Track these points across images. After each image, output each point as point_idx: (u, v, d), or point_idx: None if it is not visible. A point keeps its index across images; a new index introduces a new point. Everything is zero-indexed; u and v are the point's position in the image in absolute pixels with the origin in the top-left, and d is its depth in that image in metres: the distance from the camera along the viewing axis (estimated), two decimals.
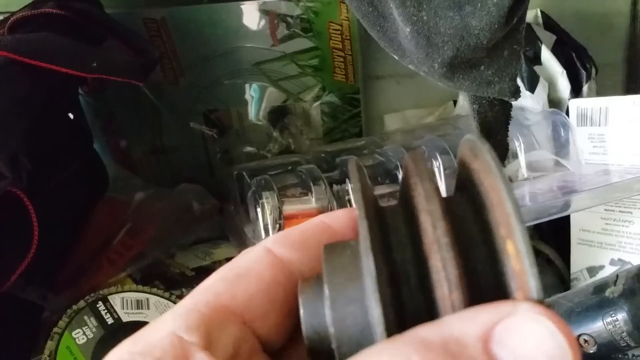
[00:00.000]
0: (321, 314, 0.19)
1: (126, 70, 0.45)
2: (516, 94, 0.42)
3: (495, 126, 0.43)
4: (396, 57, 0.41)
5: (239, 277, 0.21)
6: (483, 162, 0.18)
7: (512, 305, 0.15)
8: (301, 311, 0.19)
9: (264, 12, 0.68)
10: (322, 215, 0.24)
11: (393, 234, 0.18)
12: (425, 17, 0.38)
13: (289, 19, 0.68)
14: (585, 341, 0.43)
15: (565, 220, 0.57)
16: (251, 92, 0.73)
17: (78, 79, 0.61)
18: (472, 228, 0.18)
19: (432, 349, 0.15)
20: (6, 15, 0.58)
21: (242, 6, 0.68)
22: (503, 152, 0.43)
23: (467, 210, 0.19)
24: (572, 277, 0.57)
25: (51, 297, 0.50)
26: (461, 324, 0.15)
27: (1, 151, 0.37)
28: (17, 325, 0.51)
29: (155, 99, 0.72)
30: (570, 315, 0.44)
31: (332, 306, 0.18)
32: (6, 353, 0.50)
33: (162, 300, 0.52)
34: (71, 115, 0.59)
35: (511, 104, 0.43)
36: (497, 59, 0.41)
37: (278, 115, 0.73)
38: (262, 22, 0.68)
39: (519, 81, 0.43)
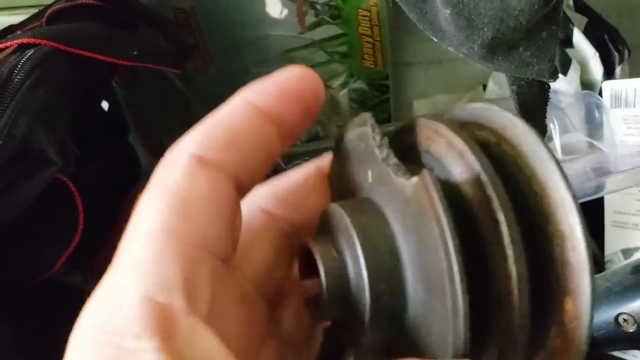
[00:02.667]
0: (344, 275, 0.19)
1: (165, 57, 0.46)
2: (554, 74, 0.42)
3: (534, 107, 0.43)
4: (435, 40, 0.41)
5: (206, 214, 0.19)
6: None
7: None
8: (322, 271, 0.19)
9: None
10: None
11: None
12: None
13: (317, 6, 0.68)
14: (625, 320, 0.43)
15: (599, 202, 0.57)
16: None
17: (112, 68, 0.62)
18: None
19: None
20: (41, 8, 0.59)
21: None
22: (542, 132, 0.43)
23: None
24: (606, 259, 0.57)
25: (92, 281, 0.52)
26: None
27: (51, 137, 0.38)
28: (59, 309, 0.52)
29: (185, 88, 0.72)
30: (609, 295, 0.44)
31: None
32: (51, 338, 0.51)
33: None
34: (106, 104, 0.60)
35: (549, 85, 0.43)
36: (536, 40, 0.41)
37: None
38: (285, 11, 0.69)
39: None
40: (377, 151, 0.19)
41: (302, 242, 0.21)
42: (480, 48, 0.39)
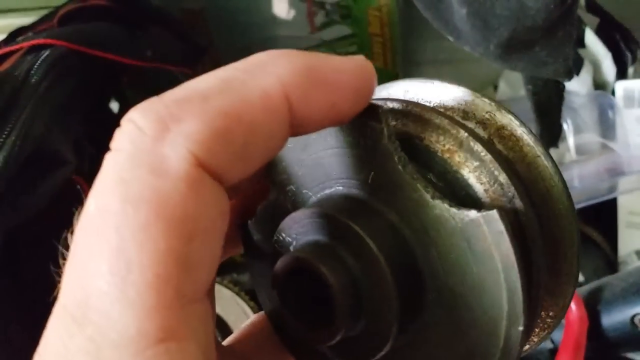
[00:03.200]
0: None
1: (178, 58, 0.46)
2: (570, 74, 0.42)
3: (549, 107, 0.43)
4: (451, 39, 0.41)
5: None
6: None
7: None
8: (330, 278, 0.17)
9: (302, 0, 0.68)
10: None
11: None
12: None
13: (327, 6, 0.68)
14: None
15: (612, 203, 0.57)
16: None
17: (122, 69, 0.62)
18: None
19: None
20: (50, 9, 0.59)
21: None
22: (557, 132, 0.43)
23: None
24: (619, 260, 0.57)
25: None
26: None
27: (66, 137, 0.38)
28: None
29: None
30: (625, 296, 0.44)
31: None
32: None
33: None
34: (117, 105, 0.60)
35: (564, 85, 0.43)
36: (552, 40, 0.41)
37: None
38: (294, 12, 0.69)
39: None
40: (395, 158, 0.17)
41: (295, 260, 0.18)
42: (496, 48, 0.39)
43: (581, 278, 0.53)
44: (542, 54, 0.41)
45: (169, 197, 0.13)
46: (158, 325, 0.13)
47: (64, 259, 0.14)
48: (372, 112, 0.18)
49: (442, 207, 0.17)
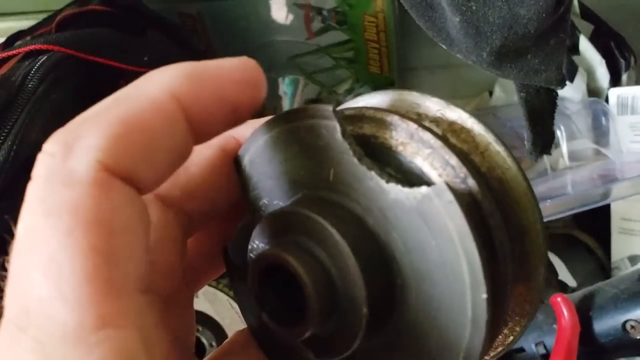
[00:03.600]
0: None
1: (176, 62, 0.46)
2: (562, 82, 0.42)
3: (542, 114, 0.43)
4: (444, 47, 0.42)
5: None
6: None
7: None
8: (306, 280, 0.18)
9: (299, 5, 0.68)
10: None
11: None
12: (474, 7, 0.39)
13: (323, 12, 0.68)
14: (632, 327, 0.43)
15: (605, 209, 0.57)
16: (284, 87, 0.73)
17: (120, 73, 0.62)
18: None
19: None
20: (49, 13, 0.59)
21: (268, 1, 0.68)
22: (549, 140, 0.43)
23: None
24: (612, 266, 0.57)
25: None
26: None
27: None
28: None
29: None
30: (617, 302, 0.44)
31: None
32: None
33: (209, 288, 0.53)
34: None
35: (557, 93, 0.44)
36: (544, 48, 0.41)
37: None
38: (291, 17, 0.69)
39: None
40: (350, 151, 0.18)
41: (263, 257, 0.19)
42: (488, 55, 0.40)
43: (574, 283, 0.53)
44: (535, 61, 0.41)
45: (83, 202, 0.15)
46: (94, 314, 0.15)
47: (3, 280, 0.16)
48: (323, 112, 0.19)
49: (396, 190, 0.18)
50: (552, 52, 0.41)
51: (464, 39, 0.39)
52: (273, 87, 0.73)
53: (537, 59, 0.41)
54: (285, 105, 0.74)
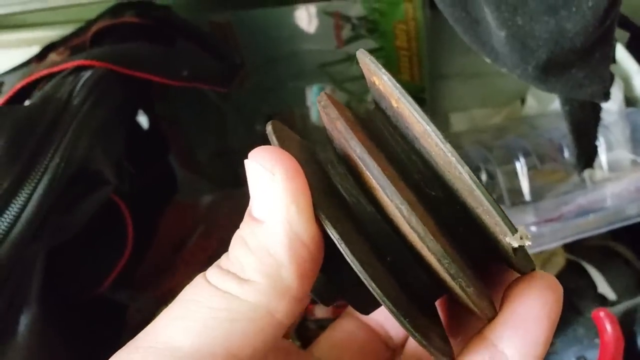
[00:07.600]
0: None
1: (213, 77, 0.47)
2: (607, 96, 0.42)
3: (586, 127, 0.43)
4: (488, 60, 0.41)
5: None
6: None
7: None
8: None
9: (328, 14, 0.68)
10: None
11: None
12: (520, 22, 0.38)
13: (353, 20, 0.68)
14: None
15: None
16: (312, 96, 0.73)
17: (151, 86, 0.62)
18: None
19: None
20: (80, 23, 0.59)
21: (297, 10, 0.68)
22: (593, 153, 0.43)
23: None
24: None
25: (138, 297, 0.52)
26: None
27: (108, 158, 0.38)
28: (105, 325, 0.53)
29: (220, 102, 0.73)
30: None
31: None
32: (95, 353, 0.51)
33: None
34: (146, 122, 0.60)
35: (601, 107, 0.43)
36: (589, 61, 0.41)
37: None
38: (319, 25, 0.69)
39: None
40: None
41: None
42: (534, 69, 0.39)
43: (614, 296, 0.53)
44: (580, 75, 0.41)
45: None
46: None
47: None
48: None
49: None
50: (596, 66, 0.41)
51: (509, 53, 0.39)
52: (302, 94, 0.73)
53: (581, 72, 0.41)
54: (314, 112, 0.73)
